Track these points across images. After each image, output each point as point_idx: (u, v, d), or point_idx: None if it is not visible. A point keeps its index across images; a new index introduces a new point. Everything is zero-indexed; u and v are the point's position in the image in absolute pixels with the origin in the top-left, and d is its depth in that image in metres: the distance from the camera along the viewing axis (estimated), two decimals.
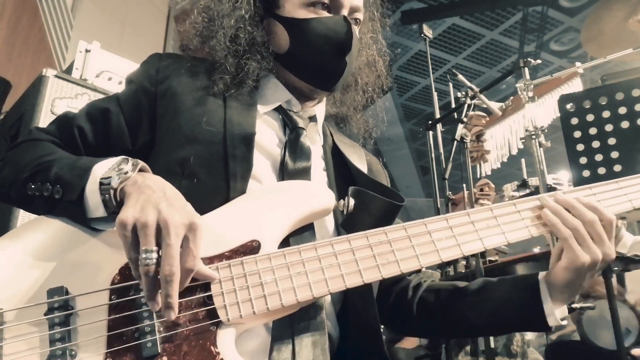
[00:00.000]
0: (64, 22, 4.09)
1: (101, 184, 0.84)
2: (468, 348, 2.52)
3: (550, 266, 1.00)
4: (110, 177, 0.84)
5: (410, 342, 3.45)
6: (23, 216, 1.82)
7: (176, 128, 1.03)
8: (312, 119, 1.18)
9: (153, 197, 0.79)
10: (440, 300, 1.13)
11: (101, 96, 2.09)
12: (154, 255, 0.74)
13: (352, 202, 1.00)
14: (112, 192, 0.82)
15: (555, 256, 0.98)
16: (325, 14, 1.11)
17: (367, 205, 1.01)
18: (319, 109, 1.22)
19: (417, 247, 0.92)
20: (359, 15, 1.16)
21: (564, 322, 1.01)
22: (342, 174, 1.15)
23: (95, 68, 2.39)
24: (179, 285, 0.76)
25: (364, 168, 1.17)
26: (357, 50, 1.18)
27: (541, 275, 1.01)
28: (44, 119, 2.04)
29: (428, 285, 1.17)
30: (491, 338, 2.32)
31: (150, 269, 0.74)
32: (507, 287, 1.06)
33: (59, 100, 2.12)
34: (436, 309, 1.12)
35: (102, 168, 0.86)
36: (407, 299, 1.15)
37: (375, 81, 1.30)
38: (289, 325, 0.90)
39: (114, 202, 0.83)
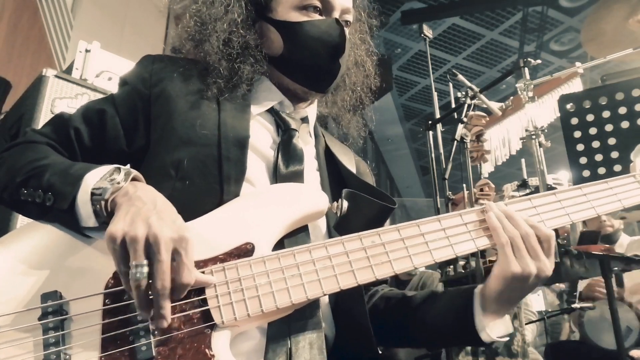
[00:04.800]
0: (64, 22, 4.08)
1: (92, 194, 0.83)
2: (469, 348, 2.51)
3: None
4: (102, 187, 0.83)
5: None
6: (22, 219, 1.80)
7: (170, 131, 1.02)
8: (304, 120, 1.18)
9: (143, 210, 0.78)
10: (388, 308, 1.13)
11: (101, 96, 2.09)
12: (145, 269, 0.74)
13: (345, 204, 1.00)
14: (103, 203, 0.82)
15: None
16: (317, 16, 1.11)
17: (361, 207, 1.01)
18: (311, 109, 1.22)
19: (410, 248, 0.93)
20: (349, 17, 1.17)
21: (503, 340, 0.99)
22: (334, 175, 1.15)
23: (95, 68, 2.39)
24: (176, 298, 0.76)
25: (352, 169, 1.18)
26: (349, 51, 1.19)
27: (478, 287, 1.00)
28: (44, 119, 2.02)
29: (382, 293, 1.18)
30: None
31: (141, 283, 0.73)
32: (447, 299, 1.05)
33: (59, 100, 2.11)
34: (384, 317, 1.12)
35: (94, 177, 0.85)
36: None
37: (364, 81, 1.30)
38: (286, 325, 0.90)
39: (105, 213, 0.82)
